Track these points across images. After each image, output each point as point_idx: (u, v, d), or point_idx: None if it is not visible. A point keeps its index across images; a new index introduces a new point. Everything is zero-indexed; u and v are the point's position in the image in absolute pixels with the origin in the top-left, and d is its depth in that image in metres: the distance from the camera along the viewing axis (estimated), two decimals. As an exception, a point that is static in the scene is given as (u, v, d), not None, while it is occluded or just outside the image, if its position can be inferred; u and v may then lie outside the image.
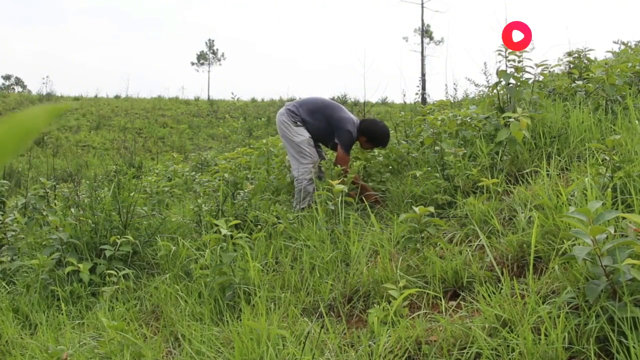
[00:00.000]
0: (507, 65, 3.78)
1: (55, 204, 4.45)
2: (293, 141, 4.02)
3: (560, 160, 3.17)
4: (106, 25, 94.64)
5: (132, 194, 3.92)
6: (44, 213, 4.31)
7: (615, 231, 1.80)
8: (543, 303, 1.88)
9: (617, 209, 2.28)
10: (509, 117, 3.32)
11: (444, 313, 2.11)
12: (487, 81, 6.23)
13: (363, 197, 3.57)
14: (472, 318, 1.99)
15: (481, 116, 4.03)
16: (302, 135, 4.03)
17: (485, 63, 6.70)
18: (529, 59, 3.78)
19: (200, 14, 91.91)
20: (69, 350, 2.28)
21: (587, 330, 1.67)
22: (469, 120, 4.04)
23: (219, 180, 4.66)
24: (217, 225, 2.88)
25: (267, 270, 2.90)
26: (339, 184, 3.19)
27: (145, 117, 19.31)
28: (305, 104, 4.16)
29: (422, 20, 25.27)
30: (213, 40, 36.37)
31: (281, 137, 4.18)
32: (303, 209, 3.83)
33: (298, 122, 4.05)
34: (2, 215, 4.04)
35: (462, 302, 2.18)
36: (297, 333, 2.18)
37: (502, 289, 2.02)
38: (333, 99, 19.78)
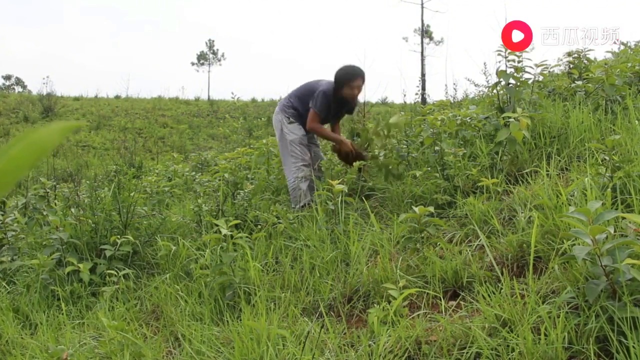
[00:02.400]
0: (506, 66, 3.78)
1: (55, 204, 4.45)
2: (286, 139, 4.09)
3: (560, 160, 3.17)
4: (106, 26, 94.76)
5: (132, 194, 3.92)
6: (44, 213, 4.31)
7: (615, 231, 1.80)
8: (543, 303, 1.88)
9: (616, 209, 2.28)
10: (509, 117, 3.32)
11: (443, 313, 2.11)
12: (487, 81, 6.22)
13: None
14: (472, 318, 1.99)
15: (481, 116, 4.03)
16: (295, 133, 4.08)
17: (485, 63, 6.69)
18: (529, 59, 3.78)
19: (200, 14, 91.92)
20: (69, 350, 2.28)
21: (587, 330, 1.67)
22: (468, 120, 4.03)
23: (219, 180, 4.66)
24: (217, 225, 2.88)
25: (267, 270, 2.90)
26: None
27: (146, 117, 19.29)
28: (294, 94, 4.23)
29: (422, 21, 25.24)
30: (213, 41, 36.34)
31: (276, 135, 4.25)
32: (303, 207, 3.84)
33: (292, 118, 4.11)
34: (3, 215, 4.04)
35: (462, 302, 2.18)
36: (297, 333, 2.19)
37: (502, 288, 2.02)
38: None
